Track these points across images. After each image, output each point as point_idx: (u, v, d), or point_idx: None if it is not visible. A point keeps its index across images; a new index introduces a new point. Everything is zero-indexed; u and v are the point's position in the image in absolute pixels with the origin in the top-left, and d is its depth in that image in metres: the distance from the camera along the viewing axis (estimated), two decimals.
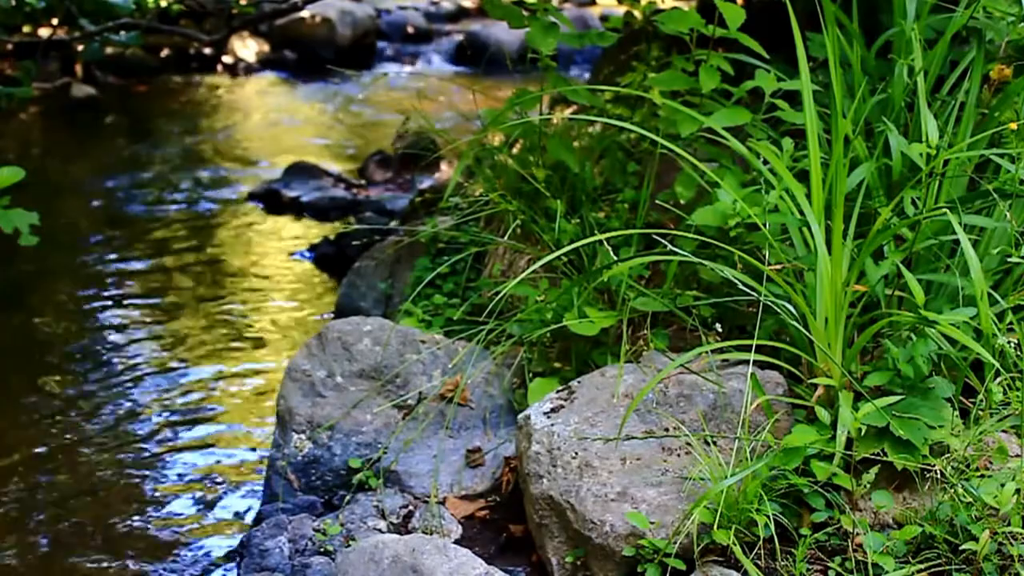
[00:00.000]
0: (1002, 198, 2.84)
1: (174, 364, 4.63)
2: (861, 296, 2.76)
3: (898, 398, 2.57)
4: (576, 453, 2.74)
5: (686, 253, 2.83)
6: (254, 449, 3.94)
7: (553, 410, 2.89)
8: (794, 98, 3.36)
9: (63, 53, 9.59)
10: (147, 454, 3.91)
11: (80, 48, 8.97)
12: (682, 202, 3.43)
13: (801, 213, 2.85)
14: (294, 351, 3.55)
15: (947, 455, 2.53)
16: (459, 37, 11.85)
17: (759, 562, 2.46)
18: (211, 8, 7.48)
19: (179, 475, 3.77)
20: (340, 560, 2.65)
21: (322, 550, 2.98)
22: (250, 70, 11.04)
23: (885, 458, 2.53)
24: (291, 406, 3.34)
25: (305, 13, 10.65)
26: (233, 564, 3.19)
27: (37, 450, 3.91)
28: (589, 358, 3.28)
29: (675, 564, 2.48)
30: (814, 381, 2.71)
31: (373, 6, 12.13)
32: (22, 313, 5.12)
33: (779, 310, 2.73)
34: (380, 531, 3.02)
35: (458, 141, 4.26)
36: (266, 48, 11.35)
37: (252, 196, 6.90)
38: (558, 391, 3.00)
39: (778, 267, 2.78)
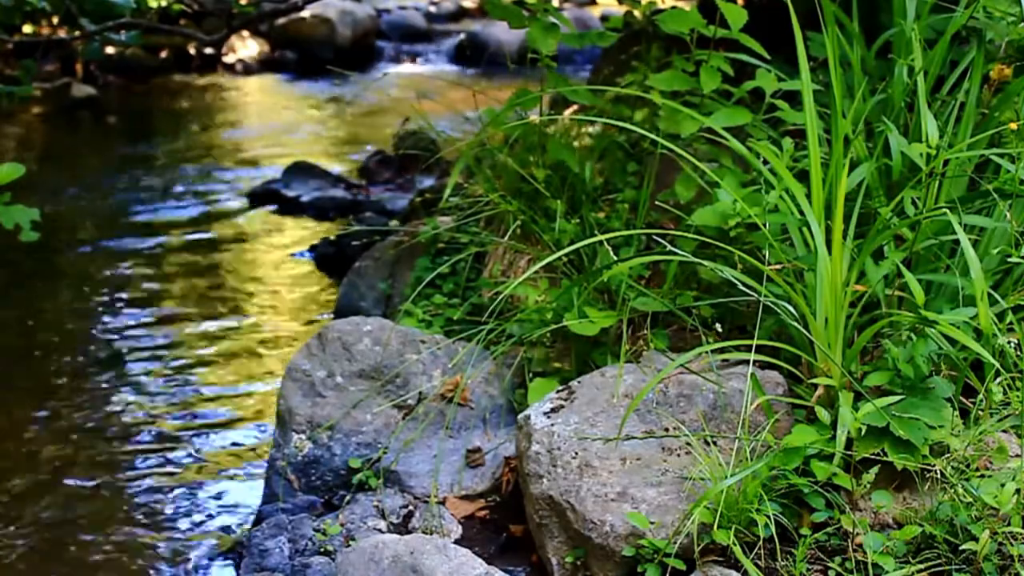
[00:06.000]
0: (1002, 198, 2.84)
1: (173, 363, 4.63)
2: (861, 296, 2.76)
3: (898, 398, 2.57)
4: (576, 453, 2.74)
5: (686, 253, 2.83)
6: (254, 449, 3.94)
7: (553, 410, 2.89)
8: (794, 98, 3.36)
9: (63, 53, 9.60)
10: (146, 453, 3.91)
11: (80, 48, 8.97)
12: (682, 202, 3.43)
13: (801, 213, 2.85)
14: (294, 351, 3.54)
15: (947, 455, 2.53)
16: (459, 37, 11.87)
17: (759, 562, 2.46)
18: (211, 8, 7.48)
19: (178, 475, 3.77)
20: (340, 560, 2.65)
21: (322, 550, 2.98)
22: (250, 70, 11.04)
23: (885, 458, 2.53)
24: (291, 406, 3.34)
25: (305, 13, 10.66)
26: (233, 564, 3.19)
27: (37, 449, 3.91)
28: (589, 358, 3.28)
29: (675, 564, 2.48)
30: (814, 381, 2.71)
31: (373, 6, 12.14)
32: (22, 313, 5.12)
33: (779, 310, 2.73)
34: (380, 531, 3.02)
35: (458, 141, 4.26)
36: (266, 48, 11.35)
37: (252, 196, 6.90)
38: (558, 391, 3.00)
39: (778, 267, 2.78)
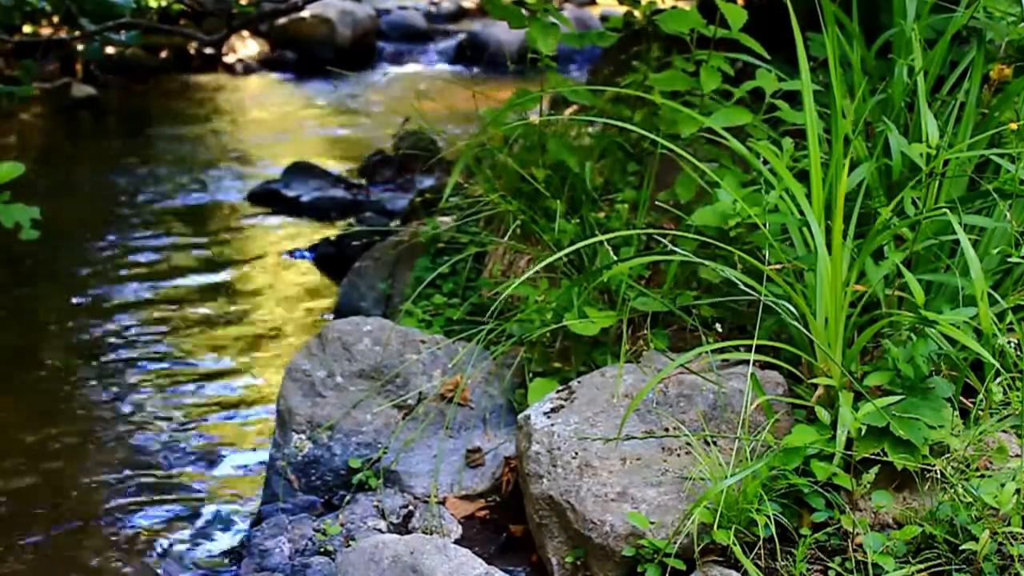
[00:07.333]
0: (1002, 198, 2.84)
1: (173, 364, 4.63)
2: (861, 296, 2.76)
3: (898, 398, 2.57)
4: (576, 453, 2.74)
5: (686, 253, 2.83)
6: (254, 449, 3.94)
7: (553, 410, 2.89)
8: (794, 98, 3.36)
9: (63, 53, 9.60)
10: (146, 454, 3.91)
11: (80, 48, 8.98)
12: (682, 202, 3.43)
13: (801, 213, 2.85)
14: (294, 351, 3.54)
15: (947, 455, 2.53)
16: (459, 37, 11.86)
17: (759, 562, 2.46)
18: (211, 8, 7.49)
19: (179, 475, 3.77)
20: (340, 560, 2.65)
21: (322, 550, 2.98)
22: (250, 70, 11.04)
23: (885, 458, 2.53)
24: (291, 406, 3.34)
25: (305, 13, 10.66)
26: (233, 564, 3.19)
27: (37, 449, 3.91)
28: (589, 358, 3.28)
29: (675, 564, 2.48)
30: (814, 381, 2.71)
31: (373, 6, 12.14)
32: (21, 313, 5.12)
33: (779, 310, 2.73)
34: (380, 531, 3.02)
35: (458, 141, 4.26)
36: (266, 48, 11.35)
37: (252, 196, 6.90)
38: (558, 391, 3.00)
39: (778, 267, 2.78)
